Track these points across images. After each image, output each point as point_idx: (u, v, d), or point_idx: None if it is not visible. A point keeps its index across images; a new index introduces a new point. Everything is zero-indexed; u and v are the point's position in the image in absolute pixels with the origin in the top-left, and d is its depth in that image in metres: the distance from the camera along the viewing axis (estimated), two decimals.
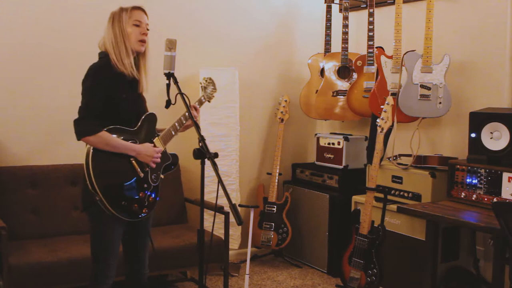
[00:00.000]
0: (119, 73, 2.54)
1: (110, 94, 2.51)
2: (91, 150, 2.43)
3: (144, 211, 2.57)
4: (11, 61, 3.74)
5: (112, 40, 2.54)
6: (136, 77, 2.59)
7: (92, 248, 2.60)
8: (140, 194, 2.55)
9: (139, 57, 2.64)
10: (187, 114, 2.72)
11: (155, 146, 2.64)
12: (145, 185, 2.58)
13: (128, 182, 2.51)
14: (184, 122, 2.76)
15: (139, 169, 2.54)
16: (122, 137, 2.51)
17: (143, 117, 2.62)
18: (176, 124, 2.74)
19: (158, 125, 2.76)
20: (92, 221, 2.57)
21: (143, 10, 2.62)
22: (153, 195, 2.62)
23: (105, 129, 2.46)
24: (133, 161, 2.53)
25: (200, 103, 2.93)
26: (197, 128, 2.56)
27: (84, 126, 2.44)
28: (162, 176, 2.68)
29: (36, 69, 3.81)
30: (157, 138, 2.68)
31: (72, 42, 3.88)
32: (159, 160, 2.62)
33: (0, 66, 3.71)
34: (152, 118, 2.68)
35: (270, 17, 4.79)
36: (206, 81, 3.01)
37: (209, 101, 3.04)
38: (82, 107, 2.49)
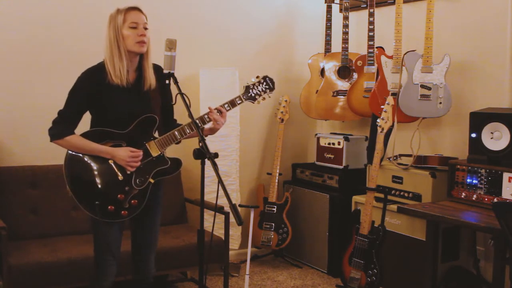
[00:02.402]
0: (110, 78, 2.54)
1: (95, 99, 2.53)
2: (68, 151, 2.56)
3: (123, 213, 2.56)
4: (11, 61, 3.74)
5: (107, 44, 2.54)
6: (124, 84, 2.55)
7: (94, 246, 2.66)
8: (119, 196, 2.54)
9: (142, 56, 2.62)
10: (205, 116, 2.63)
11: (148, 149, 2.60)
12: (127, 188, 2.56)
13: (103, 184, 2.54)
14: (200, 125, 2.60)
15: (118, 171, 2.55)
16: (105, 140, 2.54)
17: (138, 119, 2.58)
18: (186, 128, 2.61)
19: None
20: (90, 220, 2.61)
21: (140, 10, 2.58)
22: (137, 199, 2.59)
23: (88, 130, 2.55)
24: (112, 163, 2.55)
25: (232, 105, 2.70)
26: (198, 128, 2.56)
27: (54, 130, 2.55)
28: (151, 180, 2.62)
29: (36, 69, 3.81)
30: (152, 141, 2.62)
31: (73, 42, 3.88)
32: (136, 164, 2.56)
33: (0, 66, 3.71)
34: (149, 120, 2.61)
35: (270, 17, 4.79)
36: (258, 78, 2.75)
37: (252, 102, 2.76)
38: (60, 110, 2.57)
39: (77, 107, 2.56)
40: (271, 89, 2.79)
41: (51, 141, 2.56)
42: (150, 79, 2.62)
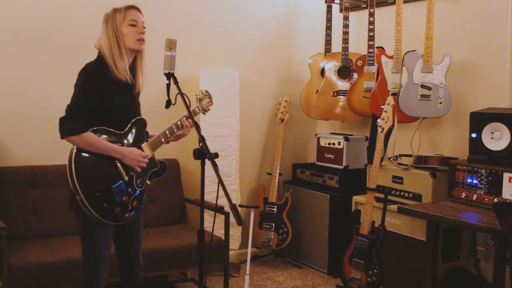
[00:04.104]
0: (113, 75, 2.52)
1: (101, 96, 2.48)
2: (75, 150, 2.43)
3: (126, 215, 2.54)
4: (11, 61, 3.74)
5: (106, 42, 2.52)
6: (129, 81, 2.55)
7: (82, 250, 2.58)
8: (124, 198, 2.51)
9: (136, 56, 2.62)
10: (179, 123, 2.71)
11: (142, 151, 2.60)
12: (130, 189, 2.54)
13: (112, 185, 2.48)
14: (176, 130, 2.71)
15: (124, 172, 2.51)
16: (109, 139, 2.49)
17: (132, 121, 2.58)
18: (167, 132, 2.69)
19: (154, 128, 2.74)
20: (80, 223, 2.54)
21: (138, 9, 2.59)
22: (137, 200, 2.58)
23: (92, 129, 2.45)
24: (118, 164, 2.50)
25: (194, 114, 2.81)
26: (197, 128, 2.56)
27: (68, 125, 2.43)
28: (148, 182, 2.63)
29: (36, 69, 3.81)
30: (145, 143, 2.63)
31: (73, 42, 3.88)
32: (145, 164, 2.56)
33: (0, 66, 3.71)
34: (142, 123, 2.63)
35: (270, 17, 4.79)
36: (202, 93, 2.98)
37: (203, 113, 2.99)
38: (70, 105, 2.47)
39: (89, 102, 2.47)
40: (212, 103, 3.03)
41: (62, 137, 2.44)
42: (141, 84, 2.64)
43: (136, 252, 2.73)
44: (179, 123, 2.72)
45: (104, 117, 2.51)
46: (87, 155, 2.45)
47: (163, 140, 2.69)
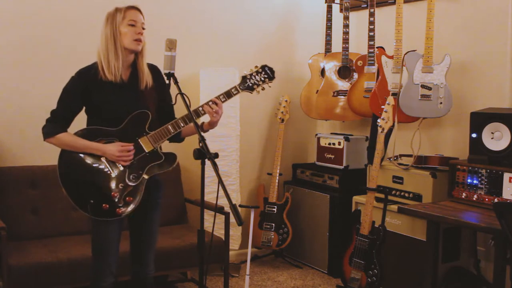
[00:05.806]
0: (103, 77, 2.55)
1: (88, 98, 2.56)
2: (61, 149, 2.57)
3: (118, 211, 2.54)
4: (11, 61, 3.74)
5: (103, 40, 2.55)
6: (118, 80, 2.56)
7: (91, 246, 2.64)
8: (113, 194, 2.53)
9: (137, 56, 2.63)
10: (200, 109, 2.61)
11: (140, 145, 2.58)
12: (121, 185, 2.55)
13: (95, 181, 2.54)
14: (186, 122, 2.60)
15: (110, 168, 2.55)
16: (98, 137, 2.55)
17: (130, 116, 2.57)
18: (180, 121, 2.59)
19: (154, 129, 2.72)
20: (90, 220, 2.60)
21: (138, 9, 2.61)
22: (132, 195, 2.57)
23: (80, 130, 2.56)
24: (103, 160, 2.55)
25: (228, 96, 2.64)
26: (197, 128, 2.55)
27: (46, 129, 2.58)
28: (145, 176, 2.60)
29: (37, 69, 3.81)
30: (144, 137, 2.59)
31: (74, 42, 3.88)
32: (128, 158, 2.55)
33: (1, 66, 3.71)
34: (141, 116, 2.58)
35: (270, 17, 4.79)
36: (256, 67, 2.69)
37: (250, 92, 2.68)
38: (53, 109, 2.60)
39: (68, 106, 2.59)
40: (271, 78, 2.72)
41: (44, 139, 2.58)
42: (146, 77, 2.64)
43: (147, 251, 2.75)
44: (200, 109, 2.61)
45: (99, 116, 2.58)
46: (72, 154, 2.56)
47: (172, 130, 2.59)
